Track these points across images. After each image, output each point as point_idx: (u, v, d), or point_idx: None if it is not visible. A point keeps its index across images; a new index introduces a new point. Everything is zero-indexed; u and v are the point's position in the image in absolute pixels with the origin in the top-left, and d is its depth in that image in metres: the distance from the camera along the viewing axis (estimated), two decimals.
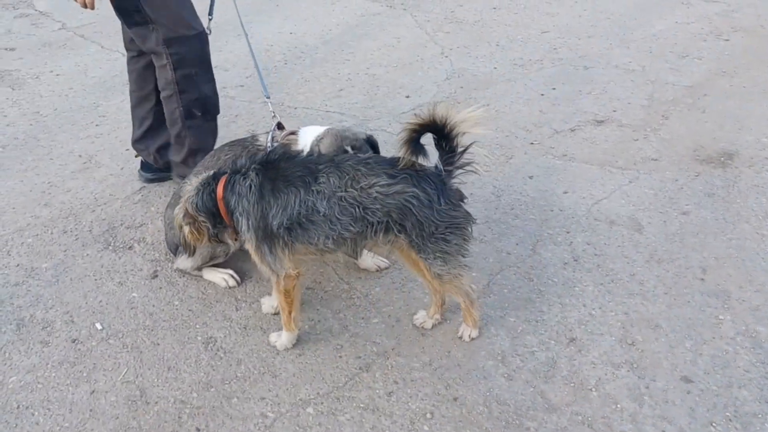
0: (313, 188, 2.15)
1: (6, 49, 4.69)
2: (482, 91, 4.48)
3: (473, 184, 3.24)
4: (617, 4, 6.00)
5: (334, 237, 2.19)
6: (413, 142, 2.09)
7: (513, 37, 5.37)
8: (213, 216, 2.28)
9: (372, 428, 2.20)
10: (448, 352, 2.50)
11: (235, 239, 2.38)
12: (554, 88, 4.53)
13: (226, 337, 2.56)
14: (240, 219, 2.23)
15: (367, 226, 2.17)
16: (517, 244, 3.03)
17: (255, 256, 2.30)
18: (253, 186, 2.20)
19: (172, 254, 2.86)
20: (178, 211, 2.34)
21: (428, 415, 2.25)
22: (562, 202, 3.33)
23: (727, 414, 2.22)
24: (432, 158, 2.16)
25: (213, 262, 2.80)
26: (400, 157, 2.12)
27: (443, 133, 2.07)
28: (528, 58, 4.99)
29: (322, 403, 2.29)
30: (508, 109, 4.27)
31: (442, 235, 2.16)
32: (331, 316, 2.65)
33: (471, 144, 2.12)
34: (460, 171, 2.16)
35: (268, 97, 3.09)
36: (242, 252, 2.64)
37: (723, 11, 5.86)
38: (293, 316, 2.38)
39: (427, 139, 2.17)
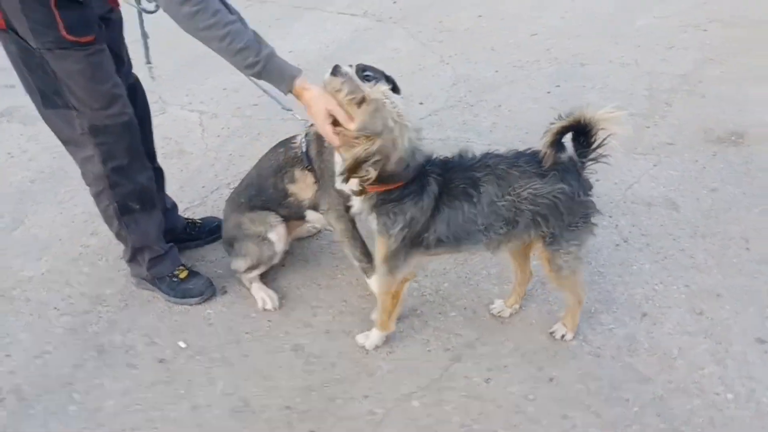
0: (474, 200, 2.12)
1: (6, 86, 4.63)
2: (490, 93, 4.61)
3: None
4: (597, 4, 6.23)
5: (484, 242, 2.22)
6: (558, 143, 2.11)
7: (506, 42, 5.53)
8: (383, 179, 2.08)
9: (479, 414, 2.26)
10: (530, 337, 2.58)
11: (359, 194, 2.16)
12: (558, 86, 4.69)
13: (313, 342, 2.59)
14: (397, 219, 2.13)
15: (515, 226, 2.18)
16: None
17: (382, 252, 2.23)
18: (431, 200, 2.13)
19: (227, 253, 2.88)
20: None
21: (530, 397, 2.32)
22: (597, 189, 3.39)
23: None
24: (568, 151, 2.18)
25: (261, 268, 2.79)
26: (541, 153, 2.14)
27: (583, 131, 2.10)
28: (525, 59, 5.15)
29: (424, 395, 2.34)
30: (519, 108, 4.41)
31: (576, 225, 2.21)
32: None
33: (607, 137, 2.11)
34: (593, 162, 2.18)
35: (290, 110, 2.69)
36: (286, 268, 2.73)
37: (696, 4, 6.14)
38: (393, 316, 2.41)
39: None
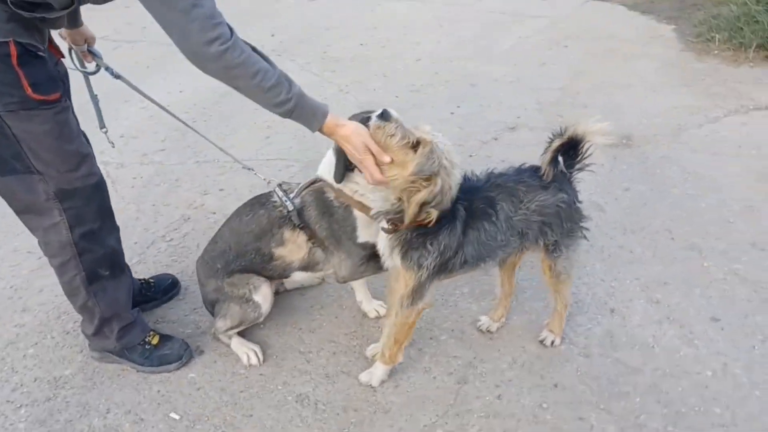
0: (494, 219, 2.18)
1: None
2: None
3: None
4: (462, 29, 6.64)
5: (495, 260, 2.31)
6: (556, 158, 2.24)
7: (394, 68, 5.71)
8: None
9: (504, 430, 2.31)
10: (522, 347, 2.69)
11: (390, 231, 2.16)
12: (458, 106, 4.93)
13: (315, 389, 2.50)
14: (431, 251, 2.13)
15: (526, 238, 2.28)
16: None
17: (407, 285, 2.21)
18: (461, 227, 2.14)
19: (209, 313, 2.69)
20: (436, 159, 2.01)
21: (543, 405, 2.41)
22: None
23: (759, 337, 2.67)
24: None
25: (243, 327, 2.64)
26: (542, 169, 2.27)
27: (572, 144, 2.24)
28: (419, 83, 5.36)
29: (446, 422, 2.35)
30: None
31: (573, 231, 2.36)
32: None
33: (589, 147, 2.27)
34: (579, 171, 2.34)
35: (251, 168, 2.68)
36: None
37: (549, 24, 6.77)
38: (403, 348, 2.40)
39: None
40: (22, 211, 2.22)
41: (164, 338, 2.60)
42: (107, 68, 2.37)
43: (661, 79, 5.33)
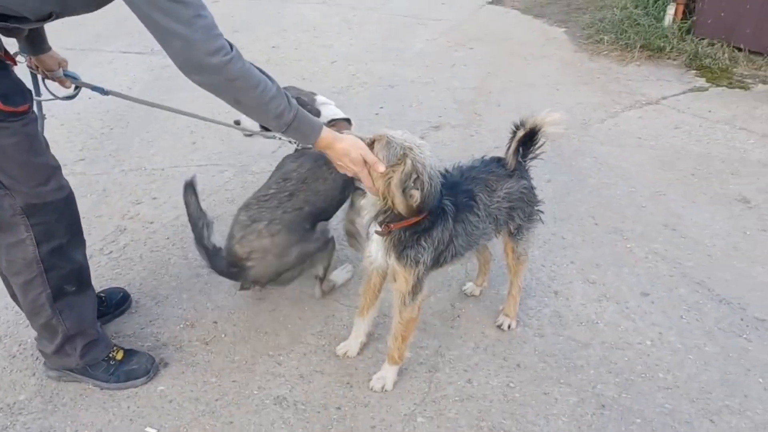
0: (476, 210, 2.33)
1: None
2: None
3: None
4: (373, 32, 6.79)
5: (473, 248, 2.46)
6: (518, 150, 2.45)
7: (312, 70, 5.76)
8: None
9: (479, 412, 2.46)
10: (482, 333, 2.85)
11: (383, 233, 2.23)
12: (381, 107, 5.07)
13: (292, 390, 2.53)
14: (426, 248, 2.21)
15: (498, 223, 2.48)
16: None
17: (407, 283, 2.27)
18: (451, 222, 2.25)
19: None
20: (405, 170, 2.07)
21: (511, 385, 2.59)
22: None
23: (684, 307, 3.00)
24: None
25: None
26: (506, 159, 2.49)
27: (529, 135, 2.44)
28: (339, 85, 5.45)
29: (424, 410, 2.46)
30: (358, 130, 4.66)
31: (532, 215, 2.60)
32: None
33: (542, 138, 2.49)
34: (533, 158, 2.57)
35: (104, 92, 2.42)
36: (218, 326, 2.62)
37: (451, 27, 7.07)
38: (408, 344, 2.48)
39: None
40: None
41: (129, 353, 2.53)
42: (95, 88, 2.28)
43: (562, 78, 5.72)
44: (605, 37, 6.48)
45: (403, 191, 2.07)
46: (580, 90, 5.47)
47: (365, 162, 2.10)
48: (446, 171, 2.38)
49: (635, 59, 6.07)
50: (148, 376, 2.50)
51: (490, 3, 8.05)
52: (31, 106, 2.01)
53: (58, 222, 2.17)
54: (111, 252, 3.23)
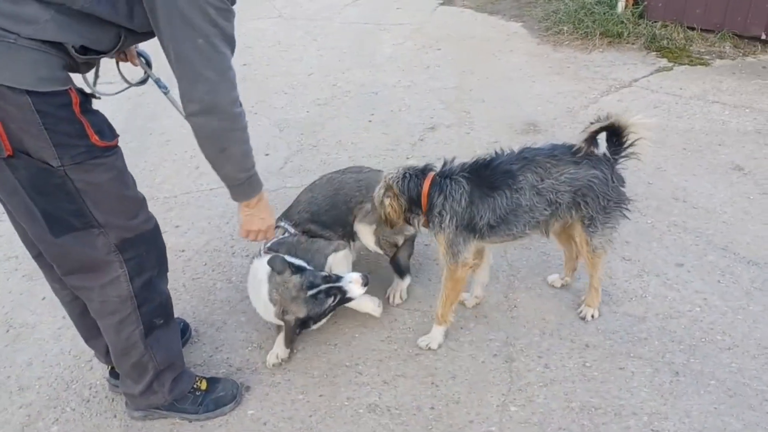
0: (515, 187, 2.48)
1: None
2: (321, 132, 4.81)
3: None
4: (339, 42, 6.81)
5: (532, 223, 2.56)
6: (593, 140, 2.53)
7: (291, 84, 5.75)
8: (411, 202, 2.57)
9: (566, 394, 2.55)
10: (543, 319, 2.96)
11: (425, 226, 2.64)
12: (373, 114, 5.11)
13: (381, 397, 2.55)
14: (444, 216, 2.51)
15: (558, 207, 2.55)
16: None
17: (443, 245, 2.57)
18: (464, 193, 2.49)
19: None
20: (379, 188, 2.60)
21: (587, 364, 2.70)
22: None
23: (718, 272, 3.18)
24: (601, 147, 2.61)
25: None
26: (577, 146, 2.55)
27: (616, 132, 2.54)
28: (323, 97, 5.46)
29: (515, 399, 2.55)
30: (357, 139, 4.71)
31: (610, 210, 2.61)
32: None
33: (637, 139, 2.55)
34: (624, 158, 2.62)
35: (167, 90, 2.40)
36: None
37: (413, 30, 7.17)
38: (453, 308, 2.70)
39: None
40: (74, 270, 2.05)
41: (212, 381, 2.49)
42: (157, 81, 2.24)
43: (533, 70, 5.91)
44: (564, 28, 6.71)
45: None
46: (555, 80, 5.66)
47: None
48: (495, 152, 2.61)
49: (597, 46, 6.32)
50: (236, 401, 2.47)
51: (442, 4, 8.19)
52: (118, 140, 1.97)
53: (148, 254, 2.15)
54: None
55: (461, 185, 2.51)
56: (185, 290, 3.13)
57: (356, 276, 2.58)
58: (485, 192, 2.50)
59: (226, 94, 1.93)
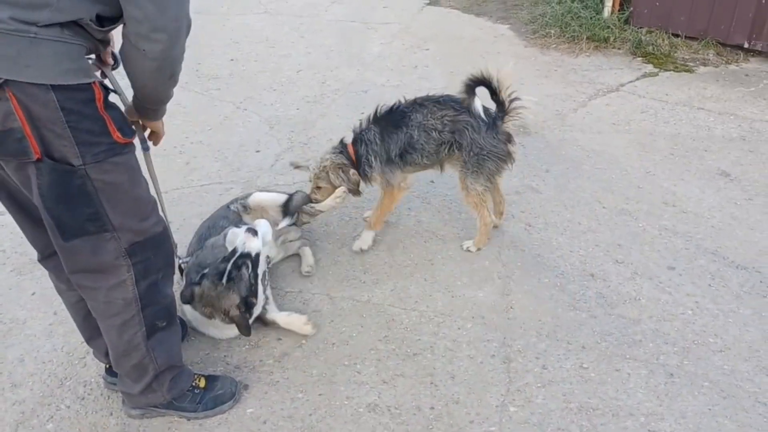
0: (409, 124, 3.10)
1: None
2: (312, 130, 4.78)
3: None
4: (326, 39, 6.77)
5: (425, 154, 3.13)
6: (469, 90, 3.05)
7: (279, 81, 5.71)
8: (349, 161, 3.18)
9: (564, 395, 2.57)
10: (539, 320, 2.98)
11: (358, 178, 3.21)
12: (362, 113, 5.07)
13: (380, 396, 2.55)
14: (370, 158, 3.14)
15: (441, 144, 3.12)
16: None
17: (379, 178, 3.21)
18: (376, 134, 3.15)
19: None
20: (325, 166, 3.23)
21: (584, 366, 2.72)
22: None
23: (709, 275, 3.23)
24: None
25: None
26: (462, 98, 3.07)
27: (492, 89, 3.04)
28: (312, 94, 5.43)
29: (514, 399, 2.55)
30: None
31: (481, 158, 3.09)
32: (436, 345, 2.82)
33: (515, 99, 3.10)
34: (511, 119, 3.13)
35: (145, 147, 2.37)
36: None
37: (401, 29, 7.16)
38: (385, 218, 3.39)
39: None
40: (80, 270, 2.01)
41: (210, 378, 2.47)
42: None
43: (522, 72, 5.94)
44: (551, 31, 6.77)
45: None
46: (543, 83, 5.70)
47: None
48: (397, 100, 3.25)
49: (584, 50, 6.38)
50: (234, 399, 2.45)
51: (428, 4, 8.20)
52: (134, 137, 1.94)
53: (156, 257, 2.11)
54: None
55: (372, 131, 3.16)
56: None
57: (240, 232, 2.66)
58: (390, 130, 3.12)
59: (187, 19, 1.85)
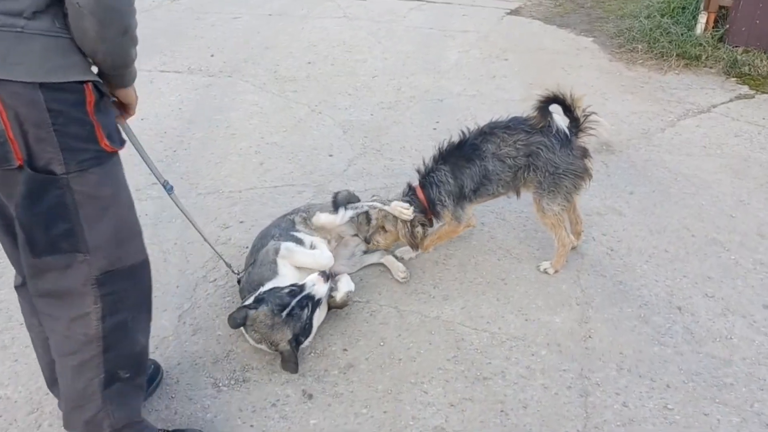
0: (482, 156, 2.98)
1: None
2: (385, 137, 4.69)
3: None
4: (403, 45, 6.70)
5: (501, 183, 3.01)
6: (542, 108, 2.91)
7: (355, 86, 5.66)
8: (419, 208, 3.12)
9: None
10: (620, 353, 2.78)
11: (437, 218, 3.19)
12: (437, 122, 4.98)
13: (447, 420, 2.43)
14: (443, 198, 3.05)
15: (517, 170, 2.98)
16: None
17: (448, 217, 3.11)
18: (447, 173, 3.04)
19: None
20: (407, 220, 3.09)
21: (669, 406, 2.53)
22: None
23: None
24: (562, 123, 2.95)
25: None
26: (533, 118, 2.96)
27: (566, 106, 2.90)
28: (387, 100, 5.35)
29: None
30: (422, 146, 4.57)
31: (558, 177, 2.95)
32: (509, 369, 2.67)
33: (591, 114, 2.94)
34: (585, 134, 2.98)
35: (169, 188, 2.42)
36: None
37: (479, 38, 7.02)
38: (435, 245, 3.33)
39: None
40: (46, 294, 1.82)
41: None
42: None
43: (605, 87, 5.71)
44: (639, 46, 6.49)
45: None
46: (628, 99, 5.45)
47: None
48: (461, 131, 3.12)
49: (673, 68, 6.09)
50: None
51: (509, 14, 8.04)
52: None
53: (129, 292, 1.90)
54: (215, 279, 3.07)
55: (442, 170, 3.04)
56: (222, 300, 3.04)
57: (315, 277, 2.64)
58: (462, 166, 3.00)
59: None
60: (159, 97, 5.21)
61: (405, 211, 3.01)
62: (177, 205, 2.38)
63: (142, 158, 2.23)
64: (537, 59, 6.34)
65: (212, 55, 6.20)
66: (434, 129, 4.86)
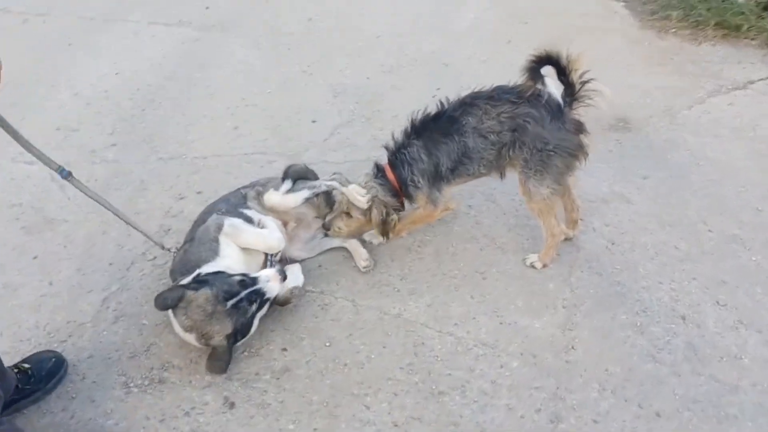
0: (461, 131, 2.56)
1: None
2: (379, 103, 4.28)
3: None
4: (417, 5, 6.18)
5: (483, 162, 2.61)
6: (532, 71, 2.45)
7: (355, 45, 5.21)
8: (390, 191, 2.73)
9: None
10: (606, 370, 2.39)
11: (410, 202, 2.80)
12: (438, 88, 4.53)
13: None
14: (416, 178, 2.65)
15: (501, 147, 2.56)
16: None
17: (422, 200, 2.72)
18: (420, 149, 2.63)
19: None
20: (375, 197, 2.70)
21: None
22: None
23: None
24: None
25: None
26: (521, 86, 2.50)
27: (561, 69, 2.41)
28: (388, 63, 4.91)
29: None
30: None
31: (546, 154, 2.49)
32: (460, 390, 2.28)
33: (589, 80, 2.46)
34: (581, 104, 2.50)
35: (65, 173, 2.19)
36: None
37: (494, 2, 6.44)
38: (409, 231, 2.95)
39: None
40: None
41: None
42: None
43: (631, 57, 5.17)
44: (673, 13, 5.88)
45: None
46: (656, 71, 4.91)
47: None
48: (440, 102, 2.71)
49: (709, 38, 5.49)
50: None
51: None
52: None
53: None
54: (155, 258, 2.75)
55: (415, 146, 2.64)
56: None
57: (271, 272, 2.29)
58: (438, 141, 2.60)
59: None
60: (141, 50, 4.85)
61: (361, 198, 2.59)
62: (81, 190, 2.03)
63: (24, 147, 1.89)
64: (559, 23, 5.79)
65: (207, 7, 5.79)
66: (433, 96, 4.36)
